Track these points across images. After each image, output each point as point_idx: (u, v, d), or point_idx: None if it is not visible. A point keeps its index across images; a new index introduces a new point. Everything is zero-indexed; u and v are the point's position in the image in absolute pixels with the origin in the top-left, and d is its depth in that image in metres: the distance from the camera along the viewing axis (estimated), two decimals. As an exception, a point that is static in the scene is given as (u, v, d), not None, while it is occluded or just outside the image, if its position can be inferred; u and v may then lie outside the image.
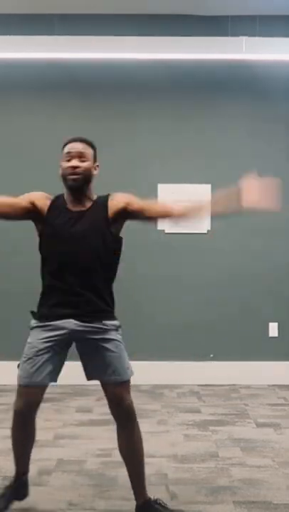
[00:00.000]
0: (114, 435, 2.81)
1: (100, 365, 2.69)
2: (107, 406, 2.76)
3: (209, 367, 5.53)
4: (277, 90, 5.57)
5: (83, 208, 2.74)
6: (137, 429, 2.75)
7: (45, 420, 4.18)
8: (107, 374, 2.68)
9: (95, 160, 2.77)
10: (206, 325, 5.54)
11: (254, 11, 5.30)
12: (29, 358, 2.68)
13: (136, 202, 2.73)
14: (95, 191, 2.81)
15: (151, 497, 2.81)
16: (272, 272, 5.59)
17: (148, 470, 2.83)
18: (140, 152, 5.59)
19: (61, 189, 2.81)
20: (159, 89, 5.51)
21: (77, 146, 2.72)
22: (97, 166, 2.78)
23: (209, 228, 5.59)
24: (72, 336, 2.70)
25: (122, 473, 2.97)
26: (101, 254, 2.70)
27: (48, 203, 2.76)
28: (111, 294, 2.78)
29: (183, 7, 5.29)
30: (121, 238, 2.78)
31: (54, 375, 2.72)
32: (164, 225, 5.56)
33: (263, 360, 5.53)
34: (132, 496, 2.81)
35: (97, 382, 2.76)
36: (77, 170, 2.69)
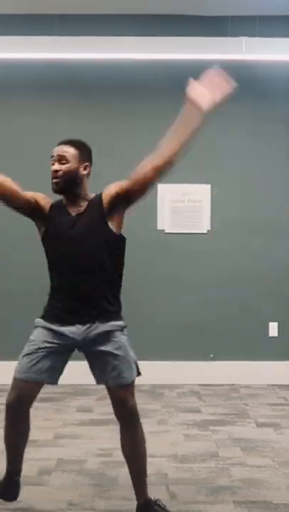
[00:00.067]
0: (115, 435, 2.81)
1: (105, 369, 2.68)
2: (108, 406, 2.77)
3: (209, 367, 5.53)
4: (277, 90, 5.56)
5: (80, 209, 2.73)
6: (140, 430, 2.75)
7: (45, 420, 4.18)
8: (111, 377, 2.68)
9: (83, 160, 2.74)
10: (206, 325, 5.54)
11: (254, 11, 5.30)
12: (28, 354, 2.68)
13: (125, 183, 2.68)
14: (96, 191, 2.80)
15: (152, 497, 2.81)
16: (272, 272, 5.59)
17: (148, 470, 2.83)
18: (140, 152, 5.54)
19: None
20: (158, 89, 5.50)
21: (58, 149, 2.73)
22: (87, 165, 2.75)
23: (209, 228, 5.59)
24: (75, 344, 2.69)
25: (123, 473, 2.97)
26: (101, 255, 2.69)
27: (49, 204, 2.77)
28: (115, 294, 2.76)
29: (183, 7, 5.29)
30: (122, 235, 2.74)
31: (52, 374, 2.71)
32: (164, 225, 5.57)
33: (263, 360, 5.53)
34: (132, 496, 2.81)
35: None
36: (58, 173, 2.70)
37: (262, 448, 3.83)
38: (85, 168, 2.75)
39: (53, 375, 2.72)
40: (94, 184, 2.82)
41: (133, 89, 5.51)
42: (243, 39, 4.99)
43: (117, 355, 2.67)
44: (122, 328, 2.73)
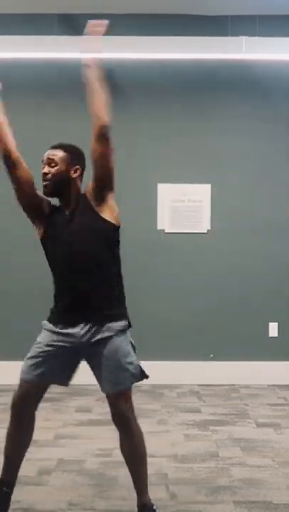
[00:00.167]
0: (114, 435, 2.81)
1: (101, 373, 2.69)
2: (107, 406, 2.76)
3: (209, 367, 5.53)
4: (277, 90, 5.56)
5: (74, 209, 2.75)
6: (138, 432, 2.73)
7: (45, 420, 4.18)
8: (106, 382, 2.68)
9: (73, 163, 2.77)
10: (206, 325, 5.54)
11: (254, 11, 5.30)
12: (32, 356, 2.70)
13: (92, 172, 2.72)
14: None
15: (152, 501, 2.77)
16: (272, 272, 5.59)
17: (148, 470, 2.82)
18: (140, 152, 5.58)
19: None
20: (158, 89, 5.50)
21: (48, 153, 2.79)
22: (78, 168, 2.78)
23: (209, 228, 5.59)
24: (76, 345, 2.69)
25: (122, 473, 2.97)
26: (97, 253, 2.69)
27: (49, 204, 2.82)
28: (116, 293, 2.75)
29: (183, 7, 5.29)
30: (115, 224, 2.73)
31: (59, 375, 2.72)
32: (164, 225, 5.57)
33: (263, 360, 5.52)
34: (132, 496, 2.81)
35: (96, 382, 2.76)
36: (47, 176, 2.75)
37: (262, 448, 3.83)
38: (75, 171, 2.78)
39: (60, 376, 2.73)
40: (80, 186, 2.83)
41: (133, 89, 5.51)
42: (243, 39, 4.99)
43: (113, 360, 2.66)
44: (123, 329, 2.71)
